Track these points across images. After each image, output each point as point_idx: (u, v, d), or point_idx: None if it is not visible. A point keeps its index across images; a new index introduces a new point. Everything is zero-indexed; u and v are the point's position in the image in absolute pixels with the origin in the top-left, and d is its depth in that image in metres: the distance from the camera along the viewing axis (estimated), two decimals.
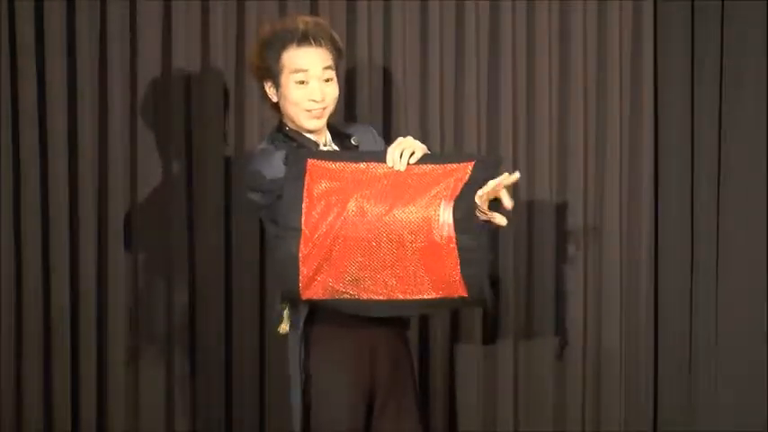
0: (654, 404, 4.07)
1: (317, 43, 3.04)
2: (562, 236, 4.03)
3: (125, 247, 3.89)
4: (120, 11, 3.84)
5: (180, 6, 3.87)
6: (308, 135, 3.13)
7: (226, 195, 3.91)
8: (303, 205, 2.95)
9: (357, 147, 3.17)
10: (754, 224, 4.02)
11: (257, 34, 3.17)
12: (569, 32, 4.00)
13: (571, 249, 4.02)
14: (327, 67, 3.06)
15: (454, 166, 2.95)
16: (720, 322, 4.04)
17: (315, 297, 2.98)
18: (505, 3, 3.96)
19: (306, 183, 2.96)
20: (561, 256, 4.03)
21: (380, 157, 2.98)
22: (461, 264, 2.90)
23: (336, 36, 3.12)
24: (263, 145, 3.11)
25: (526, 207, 4.00)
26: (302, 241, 2.94)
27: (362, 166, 2.98)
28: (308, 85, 3.05)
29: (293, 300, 3.01)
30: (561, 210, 4.03)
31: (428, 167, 2.96)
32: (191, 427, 3.94)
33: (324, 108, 3.08)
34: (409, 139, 2.97)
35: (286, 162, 2.98)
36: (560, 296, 4.03)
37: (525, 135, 4.00)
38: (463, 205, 2.90)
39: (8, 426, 3.87)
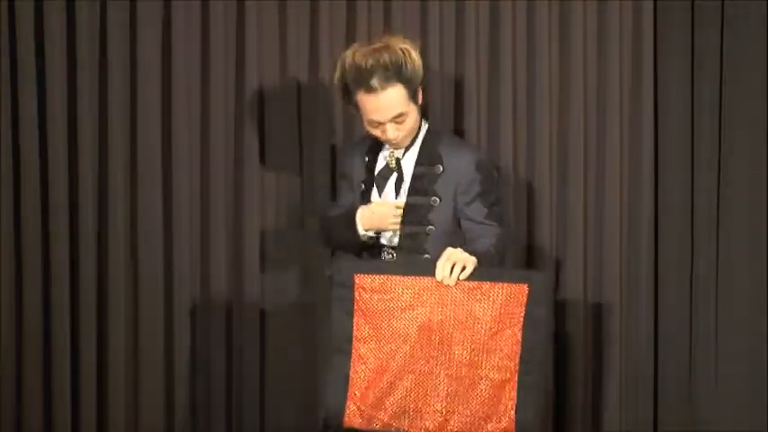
0: (654, 404, 4.07)
1: (383, 88, 3.09)
2: (562, 236, 4.03)
3: (126, 246, 3.90)
4: (120, 11, 3.84)
5: (180, 6, 3.87)
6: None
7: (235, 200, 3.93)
8: (354, 328, 2.96)
9: (438, 176, 3.19)
10: (755, 225, 4.02)
11: (340, 59, 3.19)
12: (569, 32, 3.99)
13: (571, 249, 4.02)
14: (398, 114, 3.12)
15: (507, 286, 2.93)
16: (720, 322, 4.04)
17: (358, 426, 2.97)
18: (505, 3, 3.96)
19: (355, 299, 2.96)
20: (561, 255, 4.03)
21: (429, 270, 2.94)
22: (518, 404, 2.91)
23: (409, 67, 3.11)
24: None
25: (526, 208, 4.00)
26: (352, 366, 2.96)
27: (410, 280, 2.95)
28: (381, 126, 3.15)
29: (335, 424, 3.01)
30: (561, 210, 4.03)
31: (479, 285, 2.93)
32: (191, 427, 3.94)
33: (402, 138, 3.18)
34: (458, 251, 2.97)
35: (331, 272, 3.04)
36: (560, 296, 4.02)
37: (525, 135, 4.00)
38: (526, 346, 2.90)
39: (8, 426, 3.87)
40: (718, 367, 4.05)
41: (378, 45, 3.13)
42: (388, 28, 3.89)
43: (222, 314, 3.94)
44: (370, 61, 3.07)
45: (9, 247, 3.84)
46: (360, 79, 3.09)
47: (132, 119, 3.89)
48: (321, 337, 3.75)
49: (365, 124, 3.19)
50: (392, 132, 3.15)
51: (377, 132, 3.18)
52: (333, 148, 3.96)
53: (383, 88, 3.09)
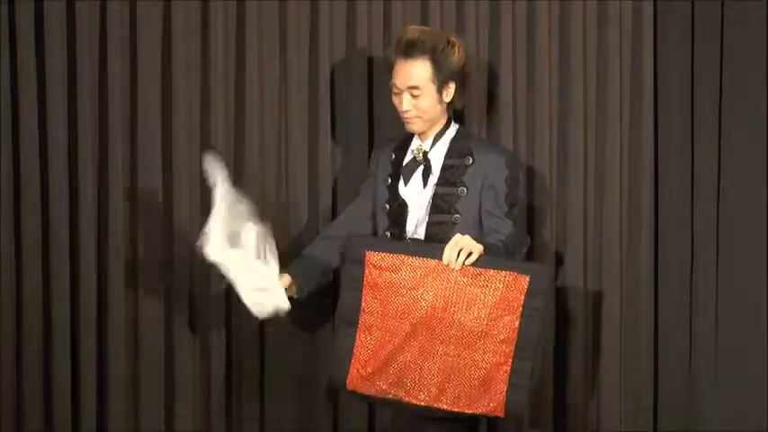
0: (654, 404, 4.07)
1: (413, 57, 3.31)
2: (562, 236, 4.03)
3: (126, 246, 3.90)
4: (120, 11, 3.84)
5: (180, 6, 3.87)
6: (414, 135, 3.46)
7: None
8: (362, 301, 3.14)
9: (467, 168, 3.33)
10: (755, 224, 4.02)
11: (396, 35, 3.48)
12: (569, 32, 4.00)
13: (571, 250, 4.02)
14: (414, 86, 3.30)
15: (509, 275, 3.06)
16: (720, 322, 4.04)
17: (358, 391, 3.16)
18: (505, 3, 3.96)
19: (365, 274, 3.14)
20: (561, 256, 4.03)
21: (437, 254, 3.09)
22: (509, 388, 3.06)
23: (446, 53, 3.32)
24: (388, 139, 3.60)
25: (526, 208, 4.00)
26: (358, 336, 3.14)
27: (418, 261, 3.11)
28: (399, 95, 3.37)
29: (338, 388, 3.27)
30: (561, 210, 4.02)
31: (482, 271, 3.07)
32: (191, 427, 3.94)
33: (414, 116, 3.34)
34: (466, 238, 3.11)
35: (344, 249, 3.26)
36: (560, 296, 4.03)
37: (525, 135, 4.00)
38: (522, 334, 3.04)
39: (8, 426, 3.87)
40: (718, 367, 4.05)
41: (430, 28, 3.42)
42: (388, 29, 3.91)
43: (222, 314, 3.94)
44: (416, 34, 3.32)
45: (9, 247, 3.85)
46: (400, 46, 3.34)
47: (132, 118, 3.89)
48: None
49: (391, 95, 3.37)
50: (406, 104, 3.34)
51: (396, 101, 3.38)
52: (334, 147, 3.96)
53: (413, 57, 3.31)
